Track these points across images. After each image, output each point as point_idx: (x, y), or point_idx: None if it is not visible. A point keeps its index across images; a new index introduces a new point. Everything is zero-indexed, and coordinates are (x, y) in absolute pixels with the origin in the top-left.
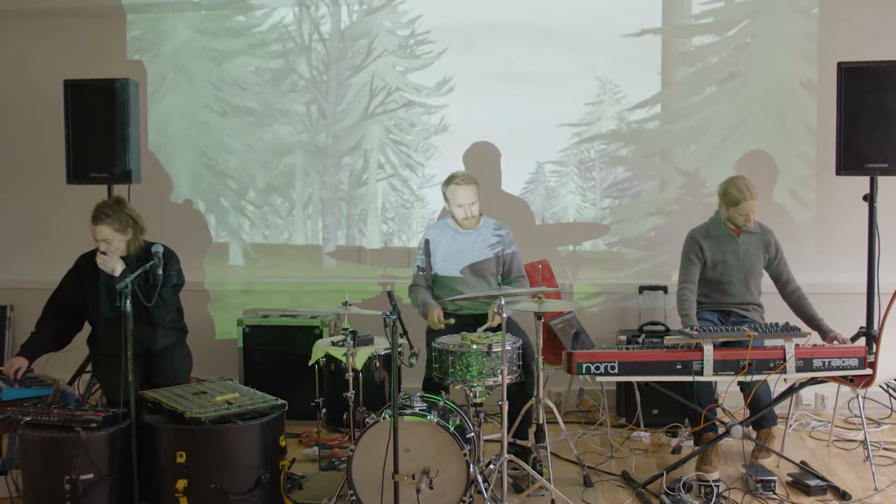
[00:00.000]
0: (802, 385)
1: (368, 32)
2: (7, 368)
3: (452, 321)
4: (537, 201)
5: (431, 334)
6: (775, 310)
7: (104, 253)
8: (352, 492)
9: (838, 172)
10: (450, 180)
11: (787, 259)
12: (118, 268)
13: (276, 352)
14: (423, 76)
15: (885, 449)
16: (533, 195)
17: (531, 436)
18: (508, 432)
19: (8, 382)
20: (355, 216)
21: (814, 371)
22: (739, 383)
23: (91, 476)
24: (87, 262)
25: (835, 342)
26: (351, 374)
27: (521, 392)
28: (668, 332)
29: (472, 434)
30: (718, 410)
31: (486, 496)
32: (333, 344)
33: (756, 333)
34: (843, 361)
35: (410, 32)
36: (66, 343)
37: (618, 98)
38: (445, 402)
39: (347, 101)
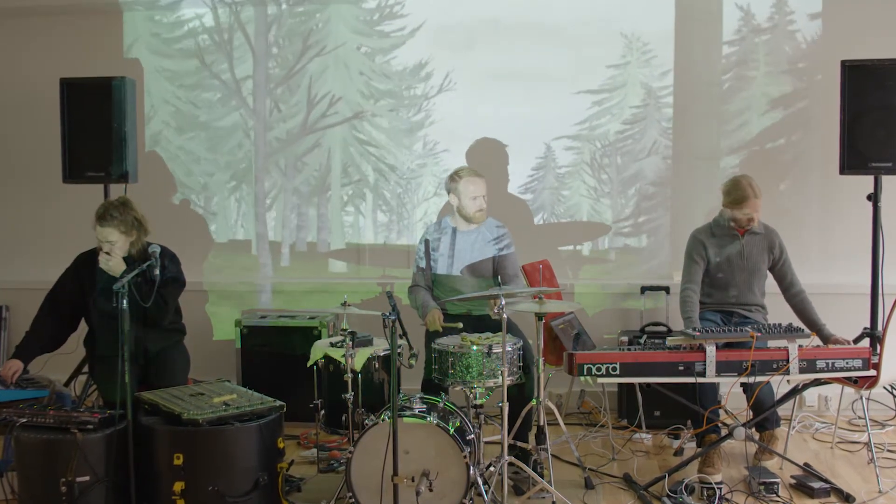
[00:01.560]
0: (806, 386)
1: (319, 10)
2: (4, 372)
3: (461, 325)
4: (545, 193)
5: (431, 335)
6: (778, 311)
7: (107, 253)
8: (351, 494)
9: (842, 172)
10: (459, 175)
11: (791, 259)
12: (120, 268)
13: (275, 353)
14: (395, 59)
15: (889, 451)
16: (541, 184)
17: (532, 438)
18: (509, 434)
19: (3, 384)
20: (327, 217)
21: (817, 372)
22: (742, 384)
23: (87, 478)
24: (86, 261)
25: (836, 345)
26: (350, 375)
27: (521, 393)
28: (670, 332)
29: (472, 436)
30: (721, 412)
31: (486, 498)
32: (332, 345)
33: (759, 334)
34: (847, 363)
35: None
36: (61, 343)
37: (647, 59)
38: (445, 404)
39: (302, 91)
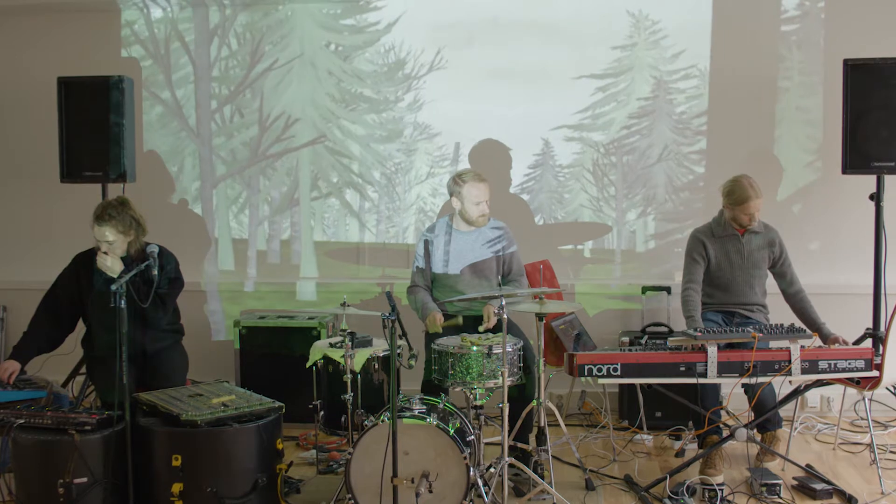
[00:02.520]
0: (808, 387)
1: (277, 6)
2: (1, 373)
3: (460, 320)
4: (542, 195)
5: (431, 336)
6: (780, 311)
7: (105, 253)
8: (350, 496)
9: (844, 171)
10: (463, 179)
11: (793, 259)
12: (117, 268)
13: (274, 353)
14: (370, 54)
15: (891, 452)
16: (538, 184)
17: (532, 439)
18: (509, 435)
19: (0, 385)
20: (300, 225)
21: (819, 373)
22: (744, 385)
23: (85, 480)
24: (84, 261)
25: (836, 345)
26: (349, 375)
27: (521, 394)
28: (671, 333)
29: (473, 437)
30: (723, 413)
31: (486, 500)
32: (331, 345)
33: (761, 335)
34: (850, 363)
35: None
36: (59, 344)
37: (656, 39)
38: (445, 405)
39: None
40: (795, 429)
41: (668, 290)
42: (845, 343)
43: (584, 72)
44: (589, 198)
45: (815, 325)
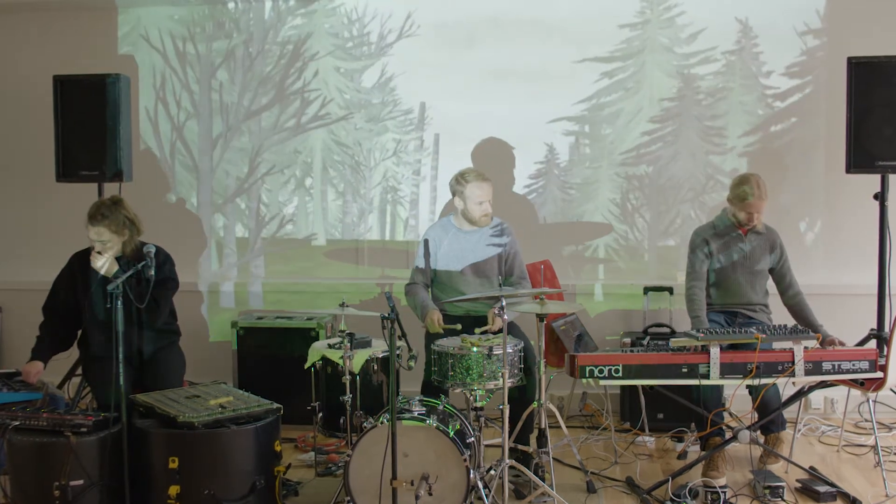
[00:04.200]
0: (811, 388)
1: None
2: (27, 370)
3: (459, 326)
4: (546, 207)
5: (430, 336)
6: (784, 311)
7: (99, 253)
8: (349, 498)
9: (848, 170)
10: (466, 179)
11: (796, 259)
12: (113, 269)
13: (272, 354)
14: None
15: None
16: (541, 198)
17: (533, 441)
18: (510, 437)
19: (27, 383)
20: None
21: (823, 374)
22: (747, 387)
23: (81, 482)
24: (80, 261)
25: (831, 347)
26: (348, 377)
27: (522, 396)
28: (673, 334)
29: (473, 439)
30: (725, 415)
31: (486, 502)
32: (330, 346)
33: (764, 336)
34: (854, 364)
35: None
36: (74, 340)
37: (670, 17)
38: (445, 406)
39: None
40: (799, 431)
41: (670, 290)
42: (842, 345)
43: (587, 54)
44: (616, 237)
45: (813, 328)
